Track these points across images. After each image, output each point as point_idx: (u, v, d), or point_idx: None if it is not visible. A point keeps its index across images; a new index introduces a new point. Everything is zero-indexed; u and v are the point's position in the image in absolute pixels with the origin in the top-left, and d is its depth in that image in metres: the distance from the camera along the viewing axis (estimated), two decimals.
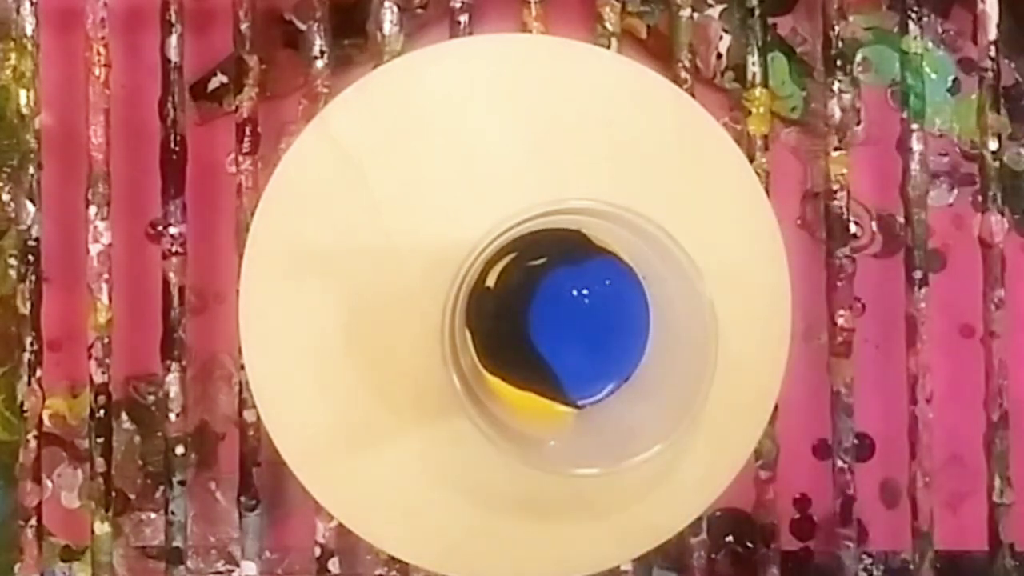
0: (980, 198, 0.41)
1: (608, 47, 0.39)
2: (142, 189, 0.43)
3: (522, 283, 0.34)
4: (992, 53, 0.40)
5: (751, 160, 0.38)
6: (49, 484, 0.44)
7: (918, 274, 0.40)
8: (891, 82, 0.44)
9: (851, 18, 0.41)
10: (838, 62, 0.40)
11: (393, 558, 0.38)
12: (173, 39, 0.40)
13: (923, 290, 0.40)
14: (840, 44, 0.40)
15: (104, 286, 0.39)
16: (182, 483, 0.40)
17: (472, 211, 0.34)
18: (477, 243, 0.32)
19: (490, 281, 0.34)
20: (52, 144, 0.42)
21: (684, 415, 0.31)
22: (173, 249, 0.40)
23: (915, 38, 0.40)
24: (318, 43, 0.40)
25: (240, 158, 0.39)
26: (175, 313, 0.39)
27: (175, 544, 0.40)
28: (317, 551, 0.39)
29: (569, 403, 0.34)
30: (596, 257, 0.34)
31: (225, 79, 0.44)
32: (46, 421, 0.42)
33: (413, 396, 0.35)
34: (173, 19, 0.40)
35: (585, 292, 0.34)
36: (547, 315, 0.34)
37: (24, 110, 0.40)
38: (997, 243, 0.40)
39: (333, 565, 0.39)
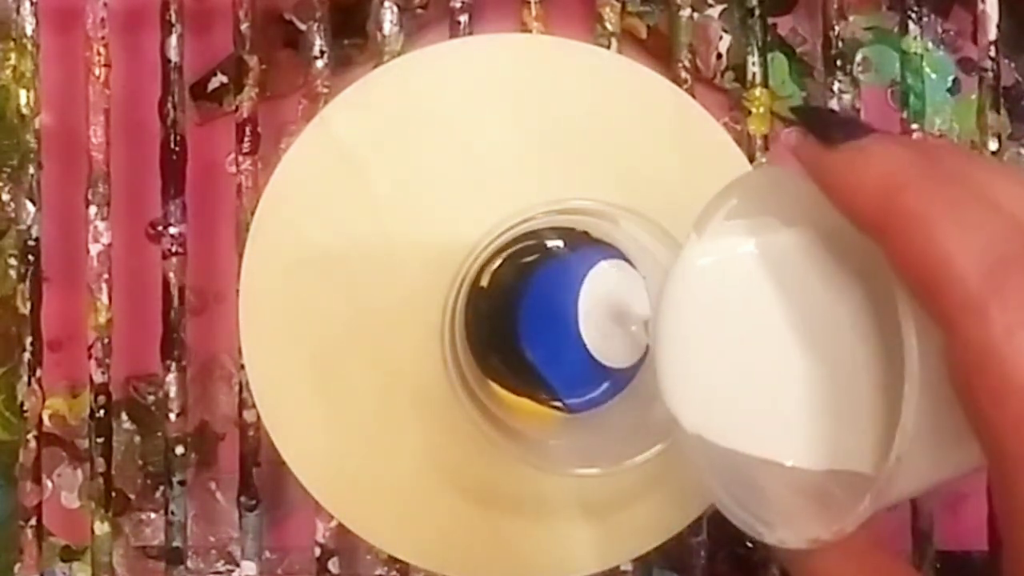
0: None
1: (608, 47, 0.39)
2: (142, 189, 0.43)
3: (513, 282, 0.34)
4: (992, 53, 0.40)
5: (751, 160, 0.38)
6: (49, 484, 0.44)
7: None
8: (891, 82, 0.44)
9: (851, 18, 0.41)
10: (838, 62, 0.40)
11: (393, 558, 0.38)
12: (173, 39, 0.40)
13: None
14: (840, 44, 0.40)
15: (104, 286, 0.39)
16: (182, 483, 0.40)
17: (472, 211, 0.34)
18: (477, 243, 0.32)
19: (484, 280, 0.34)
20: (52, 144, 0.42)
21: None
22: (173, 249, 0.40)
23: (915, 38, 0.40)
24: (318, 43, 0.40)
25: (240, 158, 0.39)
26: (175, 313, 0.39)
27: (175, 544, 0.40)
28: (317, 551, 0.39)
29: (562, 408, 0.34)
30: (593, 255, 0.34)
31: (225, 79, 0.44)
32: (46, 421, 0.42)
33: (413, 396, 0.35)
34: (173, 19, 0.40)
35: (580, 291, 0.34)
36: (538, 315, 0.34)
37: (24, 110, 0.40)
38: None
39: (333, 565, 0.39)
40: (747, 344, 0.27)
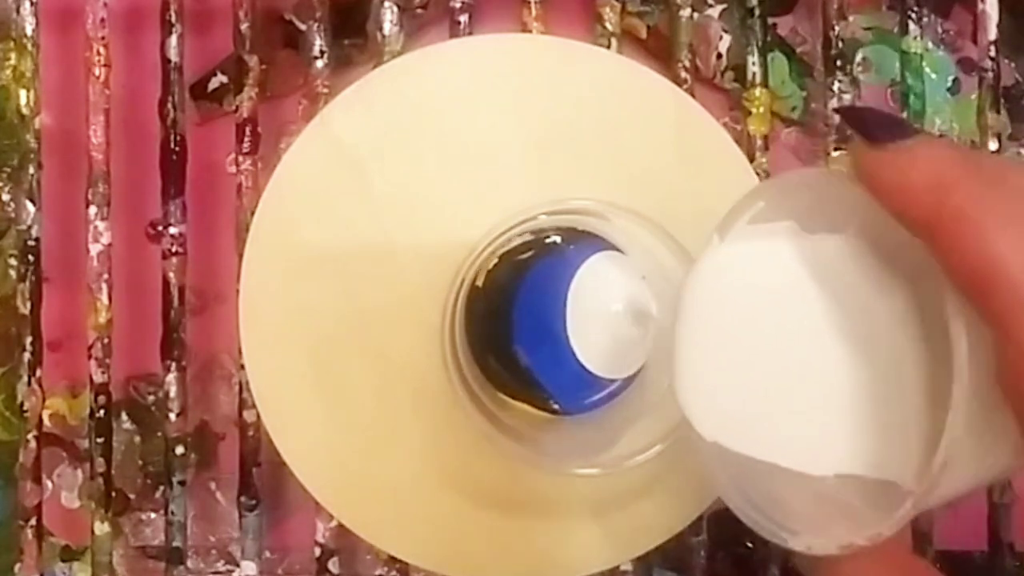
0: None
1: (608, 47, 0.39)
2: (142, 189, 0.43)
3: (507, 281, 0.33)
4: (992, 53, 0.40)
5: (751, 160, 0.38)
6: (49, 484, 0.44)
7: None
8: (891, 82, 0.44)
9: (851, 18, 0.41)
10: (838, 62, 0.40)
11: (393, 558, 0.38)
12: (173, 39, 0.40)
13: None
14: (840, 44, 0.40)
15: (104, 286, 0.39)
16: (182, 483, 0.40)
17: (472, 211, 0.34)
18: (477, 243, 0.32)
19: (480, 280, 0.34)
20: (52, 144, 0.42)
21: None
22: (173, 249, 0.40)
23: (915, 38, 0.40)
24: (318, 43, 0.40)
25: (240, 158, 0.39)
26: (175, 313, 0.39)
27: (175, 544, 0.40)
28: (317, 551, 0.39)
29: (558, 412, 0.33)
30: (586, 249, 0.33)
31: (225, 79, 0.44)
32: (46, 421, 0.42)
33: (413, 396, 0.35)
34: (173, 19, 0.40)
35: (574, 289, 0.33)
36: (532, 317, 0.33)
37: (24, 110, 0.40)
38: None
39: (333, 565, 0.39)
40: (772, 350, 0.27)
